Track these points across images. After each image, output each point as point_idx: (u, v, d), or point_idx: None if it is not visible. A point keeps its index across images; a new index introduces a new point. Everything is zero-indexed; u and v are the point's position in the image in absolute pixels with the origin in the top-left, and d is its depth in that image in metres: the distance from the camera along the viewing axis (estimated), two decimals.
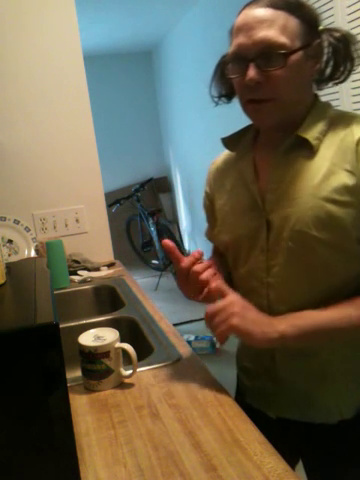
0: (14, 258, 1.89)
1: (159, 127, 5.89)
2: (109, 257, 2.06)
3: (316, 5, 2.07)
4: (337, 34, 0.81)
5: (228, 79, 0.88)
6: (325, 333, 0.80)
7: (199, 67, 4.10)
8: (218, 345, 3.15)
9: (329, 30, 0.81)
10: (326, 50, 0.82)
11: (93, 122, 1.99)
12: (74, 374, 1.06)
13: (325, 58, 0.82)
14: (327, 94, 2.08)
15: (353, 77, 1.93)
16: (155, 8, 4.08)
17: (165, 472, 0.68)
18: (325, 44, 0.81)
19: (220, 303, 0.81)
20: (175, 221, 5.50)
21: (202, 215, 1.10)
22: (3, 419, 0.54)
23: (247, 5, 0.82)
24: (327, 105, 0.87)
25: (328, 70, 0.83)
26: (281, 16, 0.77)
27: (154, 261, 5.21)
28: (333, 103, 2.17)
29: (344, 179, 0.78)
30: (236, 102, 0.92)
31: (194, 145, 4.67)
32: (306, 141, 0.82)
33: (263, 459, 0.68)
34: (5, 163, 1.90)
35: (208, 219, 1.08)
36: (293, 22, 0.78)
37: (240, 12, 0.83)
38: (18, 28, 1.84)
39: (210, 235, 1.08)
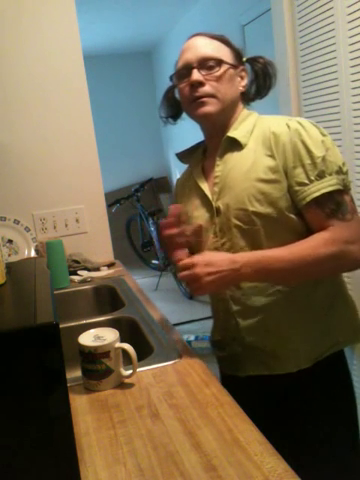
0: (14, 258, 1.89)
1: (159, 127, 5.89)
2: (109, 257, 2.06)
3: (316, 5, 2.07)
4: (261, 60, 1.09)
5: (175, 103, 1.15)
6: (275, 267, 0.96)
7: None
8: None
9: (253, 59, 1.10)
10: (251, 74, 1.10)
11: (93, 122, 1.99)
12: (74, 374, 1.05)
13: (250, 79, 1.10)
14: (327, 94, 2.08)
15: (353, 77, 1.93)
16: (155, 8, 4.08)
17: (165, 472, 0.68)
18: (249, 69, 1.10)
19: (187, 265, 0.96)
20: None
21: None
22: (3, 419, 0.54)
23: (189, 38, 1.09)
24: (251, 113, 1.10)
25: (253, 88, 1.10)
26: (216, 42, 1.06)
27: (154, 261, 5.21)
28: (333, 103, 2.17)
29: (267, 162, 1.00)
30: None
31: None
32: (235, 140, 1.05)
33: (263, 459, 0.68)
34: (5, 163, 1.90)
35: None
36: (225, 48, 1.06)
37: (183, 44, 1.09)
38: (18, 28, 1.85)
39: None
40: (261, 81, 1.10)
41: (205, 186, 1.10)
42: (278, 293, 1.03)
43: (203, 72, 1.03)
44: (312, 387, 1.07)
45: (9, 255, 1.90)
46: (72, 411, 0.62)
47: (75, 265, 1.88)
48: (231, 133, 1.06)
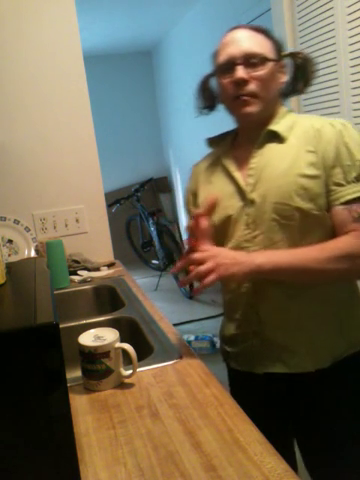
0: (14, 258, 1.89)
1: (159, 127, 5.89)
2: (109, 257, 2.06)
3: (316, 5, 2.07)
4: (300, 55, 1.08)
5: (211, 94, 1.13)
6: (295, 270, 0.98)
7: (199, 67, 4.08)
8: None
9: (294, 53, 1.08)
10: (291, 69, 1.08)
11: (93, 122, 1.99)
12: (74, 374, 1.06)
13: (291, 74, 1.08)
14: (327, 94, 2.08)
15: (353, 77, 1.93)
16: (155, 8, 4.08)
17: (165, 472, 0.68)
18: (290, 64, 1.08)
19: (205, 254, 0.95)
20: (175, 221, 5.50)
21: None
22: (3, 419, 0.54)
23: (231, 30, 1.06)
24: (289, 110, 1.11)
25: (292, 84, 1.09)
26: (259, 36, 1.03)
27: (154, 261, 5.21)
28: (333, 103, 2.17)
29: (309, 158, 1.00)
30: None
31: (194, 145, 4.66)
32: (276, 133, 1.04)
33: (263, 459, 0.68)
34: (5, 163, 1.90)
35: (190, 212, 1.21)
36: (267, 42, 1.04)
37: (225, 35, 1.06)
38: (18, 28, 1.85)
39: None
40: (301, 77, 1.08)
41: (238, 176, 1.08)
42: (299, 288, 1.04)
43: (248, 69, 1.01)
44: (331, 388, 1.06)
45: (9, 255, 1.90)
46: (72, 411, 0.62)
47: (75, 265, 1.88)
48: (273, 126, 1.05)
